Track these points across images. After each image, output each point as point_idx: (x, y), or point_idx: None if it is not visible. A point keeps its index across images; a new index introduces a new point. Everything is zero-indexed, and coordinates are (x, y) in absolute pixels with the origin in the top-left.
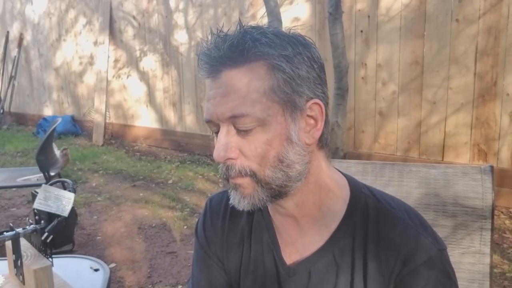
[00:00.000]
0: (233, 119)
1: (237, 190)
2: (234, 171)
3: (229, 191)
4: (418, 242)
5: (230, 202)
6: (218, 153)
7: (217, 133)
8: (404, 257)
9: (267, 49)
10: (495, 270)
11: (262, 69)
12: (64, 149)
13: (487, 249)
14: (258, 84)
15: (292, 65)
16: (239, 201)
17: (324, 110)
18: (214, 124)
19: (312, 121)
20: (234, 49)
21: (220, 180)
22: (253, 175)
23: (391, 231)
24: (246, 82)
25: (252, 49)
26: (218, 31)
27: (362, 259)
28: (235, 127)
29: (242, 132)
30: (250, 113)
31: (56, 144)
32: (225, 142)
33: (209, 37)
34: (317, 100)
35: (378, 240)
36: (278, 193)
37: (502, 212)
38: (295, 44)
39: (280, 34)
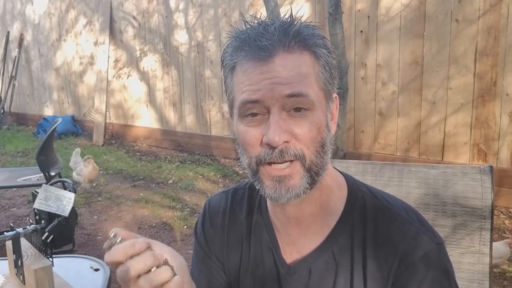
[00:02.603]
0: (290, 98)
1: (282, 182)
2: (289, 154)
3: (261, 184)
4: (416, 238)
5: (268, 196)
6: (277, 135)
7: (254, 118)
8: (403, 252)
9: (315, 39)
10: (494, 270)
11: (311, 57)
12: (88, 157)
13: (487, 249)
14: (311, 70)
15: (330, 56)
16: (285, 193)
17: (338, 104)
18: (261, 106)
19: (330, 114)
20: (293, 35)
21: (220, 180)
22: (303, 158)
23: (389, 227)
24: (301, 67)
25: (306, 37)
26: (260, 19)
27: (361, 256)
28: (287, 109)
29: (295, 114)
30: (308, 94)
31: (56, 144)
32: (281, 125)
33: (250, 25)
34: (336, 95)
35: (377, 237)
36: (314, 181)
37: (501, 212)
38: (325, 37)
39: (315, 26)
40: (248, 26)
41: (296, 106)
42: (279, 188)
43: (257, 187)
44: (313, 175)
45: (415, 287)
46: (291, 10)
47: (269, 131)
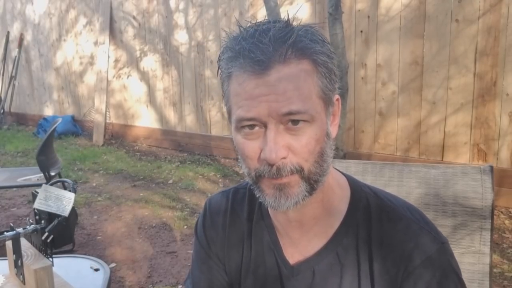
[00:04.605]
0: (287, 116)
1: (282, 191)
2: (286, 170)
3: (261, 192)
4: (421, 237)
5: (268, 205)
6: (273, 154)
7: (252, 133)
8: (409, 252)
9: (314, 46)
10: (494, 270)
11: (309, 65)
12: None
13: (487, 249)
14: (308, 80)
15: (331, 62)
16: (284, 202)
17: (340, 105)
18: (258, 122)
19: (331, 116)
20: (289, 45)
21: (220, 180)
22: (302, 171)
23: (394, 228)
24: (298, 78)
25: (305, 45)
26: (255, 25)
27: (367, 257)
28: (284, 124)
29: (293, 128)
30: (306, 110)
31: (56, 144)
32: (278, 141)
33: (244, 31)
34: (338, 96)
35: (382, 237)
36: (313, 189)
37: (501, 212)
38: (327, 41)
39: (317, 30)
40: (244, 31)
41: (293, 123)
42: (279, 196)
43: (257, 195)
44: (312, 183)
45: (431, 285)
46: (288, 14)
47: (266, 147)
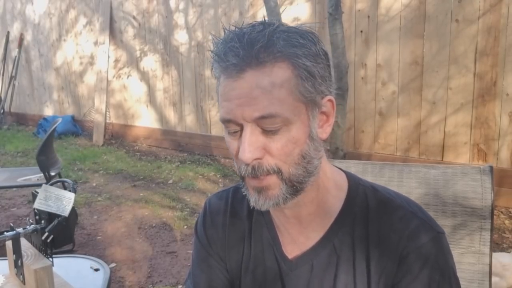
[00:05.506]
0: (260, 119)
1: (261, 193)
2: (261, 170)
3: (247, 191)
4: (418, 226)
5: (251, 204)
6: (246, 154)
7: (234, 132)
8: (404, 241)
9: (293, 49)
10: None
11: (288, 69)
12: None
13: (487, 249)
14: (285, 84)
15: (315, 65)
16: (263, 202)
17: (335, 106)
18: (235, 124)
19: (324, 117)
20: (259, 48)
21: (220, 180)
22: (279, 172)
23: (390, 218)
24: (273, 82)
25: (279, 48)
26: (236, 28)
27: (364, 249)
28: (260, 127)
29: (269, 132)
30: (279, 114)
31: (56, 144)
32: (252, 143)
33: (227, 35)
34: (331, 97)
35: (379, 230)
36: (297, 190)
37: (501, 212)
38: (314, 43)
39: (302, 32)
40: (226, 34)
41: (268, 126)
42: (258, 197)
43: (244, 193)
44: (296, 185)
45: (421, 274)
46: (264, 17)
47: (241, 148)
